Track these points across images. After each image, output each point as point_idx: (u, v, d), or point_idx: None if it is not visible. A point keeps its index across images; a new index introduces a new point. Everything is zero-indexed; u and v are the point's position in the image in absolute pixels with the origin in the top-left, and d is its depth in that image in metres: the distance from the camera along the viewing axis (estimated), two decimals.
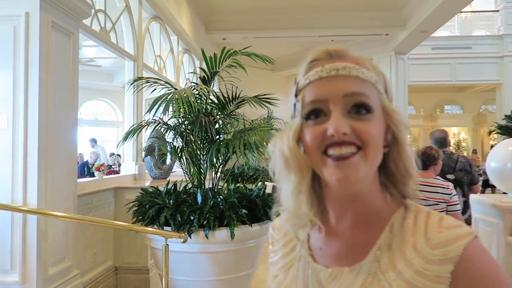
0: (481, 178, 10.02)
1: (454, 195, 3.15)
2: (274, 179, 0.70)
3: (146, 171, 4.73)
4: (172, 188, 3.09)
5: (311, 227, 0.72)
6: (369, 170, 0.62)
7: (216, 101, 3.24)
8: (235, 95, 3.18)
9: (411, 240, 0.62)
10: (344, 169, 0.60)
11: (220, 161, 3.12)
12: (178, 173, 4.11)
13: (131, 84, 3.30)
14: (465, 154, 14.47)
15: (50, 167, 2.64)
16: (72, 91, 2.91)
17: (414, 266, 0.59)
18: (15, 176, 2.51)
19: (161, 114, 2.80)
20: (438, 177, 3.29)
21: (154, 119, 3.10)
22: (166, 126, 3.14)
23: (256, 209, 2.88)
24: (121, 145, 3.27)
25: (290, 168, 0.66)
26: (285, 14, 7.40)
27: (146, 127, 3.24)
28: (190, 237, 2.65)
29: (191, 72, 6.92)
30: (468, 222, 3.88)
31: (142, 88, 3.34)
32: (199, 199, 2.84)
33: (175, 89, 2.98)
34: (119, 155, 9.96)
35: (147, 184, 4.17)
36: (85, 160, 8.99)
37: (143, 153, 4.53)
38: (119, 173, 5.72)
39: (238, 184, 3.47)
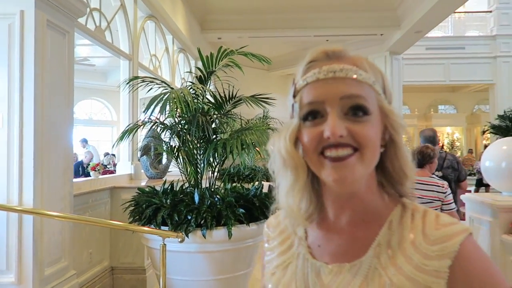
0: (475, 177, 10.14)
1: (449, 194, 3.20)
2: (273, 177, 0.71)
3: (142, 170, 4.71)
4: (169, 187, 3.08)
5: (308, 224, 0.72)
6: (365, 171, 0.63)
7: (213, 101, 3.24)
8: (232, 94, 3.18)
9: (410, 237, 0.63)
10: (341, 170, 0.60)
11: (217, 160, 3.11)
12: (174, 173, 4.10)
13: (127, 83, 3.28)
14: (459, 153, 14.60)
15: (46, 166, 2.62)
16: (67, 90, 2.89)
17: (413, 262, 0.60)
18: (11, 176, 2.49)
19: (158, 113, 2.79)
20: (434, 175, 3.33)
21: (150, 119, 3.09)
22: (162, 126, 3.13)
23: (253, 208, 2.88)
24: (117, 144, 3.25)
25: (286, 168, 0.67)
26: (281, 14, 7.41)
27: (142, 126, 3.22)
28: (188, 237, 2.64)
29: (188, 72, 6.91)
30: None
31: (138, 88, 3.33)
32: (196, 198, 2.84)
33: (172, 88, 2.97)
34: (113, 155, 9.91)
35: (143, 184, 4.15)
36: (79, 160, 8.93)
37: (139, 153, 4.51)
38: (114, 173, 5.70)
39: (234, 184, 3.47)
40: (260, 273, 0.84)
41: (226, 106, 3.21)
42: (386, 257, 0.63)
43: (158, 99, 2.70)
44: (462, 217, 4.44)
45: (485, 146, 12.30)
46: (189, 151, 3.05)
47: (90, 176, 4.13)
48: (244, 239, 2.81)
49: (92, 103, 13.62)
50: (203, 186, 3.13)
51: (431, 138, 4.17)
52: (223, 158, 3.09)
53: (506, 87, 11.44)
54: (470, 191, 5.11)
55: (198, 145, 3.08)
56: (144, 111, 2.82)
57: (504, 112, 10.86)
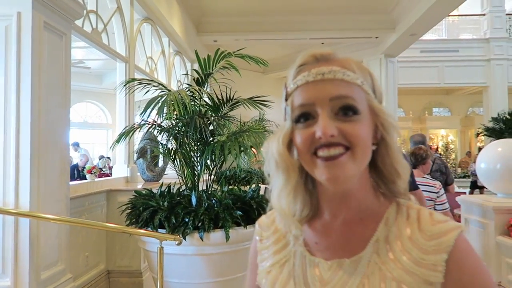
0: (470, 179, 10.20)
1: (442, 194, 3.26)
2: (268, 180, 0.73)
3: (138, 173, 4.69)
4: (166, 190, 3.07)
5: (299, 225, 0.73)
6: (357, 169, 0.64)
7: (210, 103, 3.24)
8: (229, 96, 3.18)
9: (407, 233, 0.65)
10: (333, 169, 0.62)
11: (215, 163, 3.11)
12: (171, 176, 4.09)
13: (125, 85, 3.27)
14: (453, 156, 14.68)
15: (42, 169, 2.60)
16: (64, 92, 2.88)
17: (412, 257, 0.63)
18: (7, 178, 2.47)
19: (155, 116, 2.79)
20: (427, 176, 3.38)
21: (147, 121, 3.08)
22: (159, 128, 3.12)
23: (251, 210, 2.88)
24: (114, 147, 3.24)
25: (278, 169, 0.69)
26: (277, 16, 7.43)
27: (139, 129, 3.21)
28: (185, 239, 2.64)
29: (185, 74, 6.90)
30: None
31: (134, 90, 3.32)
32: (194, 201, 2.83)
33: (169, 90, 2.97)
34: (109, 158, 9.87)
35: (139, 186, 4.14)
36: (74, 163, 8.88)
37: (135, 155, 4.49)
38: (110, 176, 5.67)
39: (230, 186, 3.47)
40: (249, 274, 0.84)
41: (223, 108, 3.21)
42: (385, 252, 0.65)
43: (155, 101, 2.70)
44: (457, 218, 4.48)
45: (479, 149, 12.39)
46: (186, 154, 3.04)
47: (86, 179, 4.11)
48: (242, 241, 2.81)
49: (87, 106, 13.56)
50: (200, 188, 3.13)
51: (420, 143, 4.34)
52: (220, 161, 3.09)
53: (500, 90, 11.53)
54: (460, 194, 5.20)
55: (195, 147, 3.07)
56: (141, 114, 2.81)
57: (498, 114, 10.93)
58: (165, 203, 2.81)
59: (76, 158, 9.46)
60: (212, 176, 3.17)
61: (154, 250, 2.63)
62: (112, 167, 6.41)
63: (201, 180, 3.17)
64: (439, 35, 12.80)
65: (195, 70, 3.25)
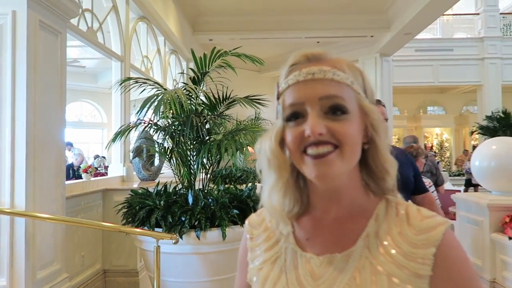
0: (464, 178, 10.27)
1: (432, 192, 3.31)
2: (260, 177, 0.74)
3: (134, 172, 4.68)
4: (162, 189, 3.07)
5: (289, 222, 0.75)
6: (346, 167, 0.65)
7: (206, 102, 3.24)
8: (226, 95, 3.18)
9: (396, 228, 0.67)
10: (321, 166, 0.63)
11: (211, 162, 3.11)
12: (167, 175, 4.08)
13: (120, 84, 3.26)
14: (448, 154, 14.77)
15: (38, 168, 2.59)
16: (60, 91, 2.87)
17: (402, 251, 0.64)
18: (2, 178, 2.46)
19: (152, 114, 2.78)
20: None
21: (143, 120, 3.08)
22: (156, 127, 3.11)
23: (247, 209, 2.89)
24: (110, 146, 3.23)
25: (270, 167, 0.71)
26: (272, 15, 7.43)
27: (135, 128, 3.20)
28: (182, 238, 2.64)
29: (181, 73, 6.89)
30: None
31: (130, 89, 3.31)
32: (190, 200, 2.83)
33: (165, 89, 2.96)
34: (104, 157, 9.82)
35: (135, 186, 4.13)
36: (69, 162, 8.83)
37: (131, 155, 4.48)
38: (105, 175, 5.65)
39: (227, 185, 3.47)
40: (238, 272, 0.84)
41: (219, 107, 3.21)
42: (375, 247, 0.66)
43: (152, 100, 2.69)
44: (452, 216, 4.52)
45: (474, 147, 12.48)
46: (183, 152, 3.04)
47: (81, 178, 4.09)
48: (238, 240, 2.78)
49: (82, 105, 13.49)
50: (196, 187, 3.12)
51: (412, 144, 4.49)
52: (217, 159, 3.09)
53: (494, 88, 11.62)
54: (455, 191, 5.27)
55: (191, 146, 3.07)
56: (137, 113, 2.80)
57: (492, 113, 11.03)
58: (162, 202, 2.80)
59: (70, 157, 9.41)
60: (209, 175, 3.17)
61: (151, 249, 2.63)
62: (107, 166, 6.38)
63: (197, 179, 3.17)
64: (433, 34, 12.87)
65: (191, 69, 3.24)
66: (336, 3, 7.11)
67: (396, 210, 0.69)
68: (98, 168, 8.45)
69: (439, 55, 11.77)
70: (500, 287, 3.44)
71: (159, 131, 3.10)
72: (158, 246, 2.55)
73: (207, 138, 3.04)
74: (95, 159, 10.10)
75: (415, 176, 2.45)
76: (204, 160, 3.07)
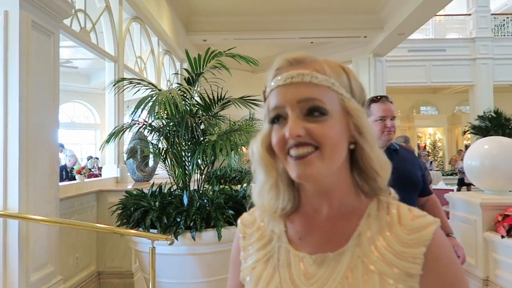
0: (457, 177, 10.35)
1: None
2: (254, 177, 0.76)
3: (128, 173, 4.65)
4: (157, 190, 3.06)
5: (281, 220, 0.75)
6: (326, 167, 0.66)
7: (201, 102, 3.23)
8: (220, 96, 3.18)
9: (388, 228, 0.68)
10: (302, 167, 0.65)
11: (206, 162, 3.10)
12: (161, 176, 4.07)
13: (114, 84, 3.24)
14: (440, 154, 14.89)
15: (31, 169, 2.57)
16: (53, 92, 2.84)
17: (393, 250, 0.65)
18: None
19: (146, 115, 2.77)
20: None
21: (137, 121, 3.06)
22: (150, 128, 3.10)
23: (243, 209, 2.88)
24: (104, 147, 3.21)
25: (260, 168, 0.73)
26: (266, 16, 7.44)
27: (129, 129, 3.19)
28: (177, 239, 2.63)
29: (175, 73, 6.87)
30: None
31: (124, 90, 3.29)
32: (185, 200, 2.82)
33: (159, 90, 2.95)
34: (97, 158, 9.76)
35: (130, 187, 4.11)
36: (62, 163, 8.76)
37: (125, 156, 4.46)
38: (99, 176, 5.61)
39: (222, 186, 3.46)
40: (231, 271, 0.84)
41: (214, 107, 3.20)
42: (367, 246, 0.67)
43: (146, 101, 2.68)
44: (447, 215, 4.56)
45: (466, 146, 12.58)
46: (177, 153, 3.03)
47: (75, 179, 4.06)
48: None
49: (74, 106, 13.39)
50: (191, 188, 3.12)
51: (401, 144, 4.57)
52: (212, 160, 3.08)
53: (485, 88, 11.73)
54: (448, 191, 5.31)
55: (186, 147, 3.06)
56: (132, 113, 2.79)
57: (484, 112, 11.15)
58: (157, 203, 2.79)
59: (62, 159, 9.33)
60: (203, 176, 3.17)
61: (146, 250, 2.62)
62: (101, 167, 6.34)
63: (192, 179, 3.16)
64: (426, 35, 12.96)
65: (186, 70, 3.23)
66: (330, 3, 7.13)
67: (387, 209, 0.70)
68: (92, 169, 8.40)
69: (431, 56, 11.86)
70: (493, 285, 3.48)
71: (153, 132, 3.09)
72: (154, 247, 2.54)
73: (202, 138, 3.03)
74: (88, 160, 10.03)
75: (423, 177, 2.43)
76: (199, 161, 3.06)
